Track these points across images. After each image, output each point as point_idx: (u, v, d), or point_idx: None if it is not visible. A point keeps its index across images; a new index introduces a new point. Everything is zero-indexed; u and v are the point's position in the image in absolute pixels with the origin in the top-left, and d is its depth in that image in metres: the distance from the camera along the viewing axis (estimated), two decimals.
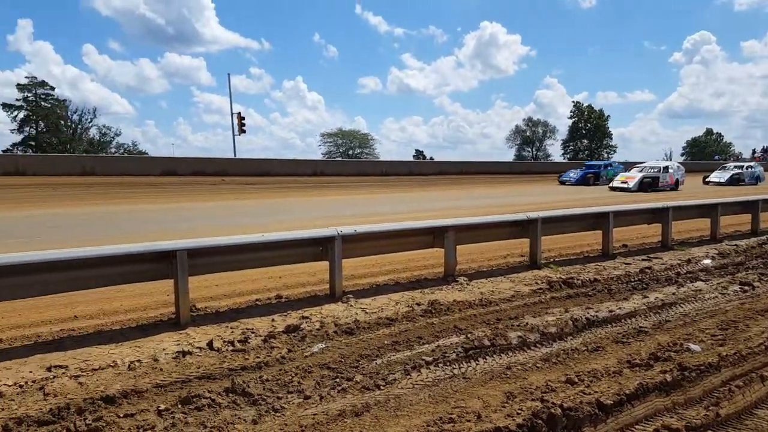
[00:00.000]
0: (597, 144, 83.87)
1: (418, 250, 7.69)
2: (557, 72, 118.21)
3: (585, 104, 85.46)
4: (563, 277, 7.29)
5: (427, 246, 7.32)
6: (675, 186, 30.07)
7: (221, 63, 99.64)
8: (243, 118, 38.20)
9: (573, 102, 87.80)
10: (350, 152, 73.17)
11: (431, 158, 63.35)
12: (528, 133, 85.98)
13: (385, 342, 4.73)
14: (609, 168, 35.58)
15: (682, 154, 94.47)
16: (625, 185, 27.75)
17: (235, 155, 37.83)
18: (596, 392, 3.69)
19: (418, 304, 5.93)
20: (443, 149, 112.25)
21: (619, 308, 5.83)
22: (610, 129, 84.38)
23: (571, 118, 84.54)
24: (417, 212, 16.70)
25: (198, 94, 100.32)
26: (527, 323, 5.26)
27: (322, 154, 74.48)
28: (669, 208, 9.91)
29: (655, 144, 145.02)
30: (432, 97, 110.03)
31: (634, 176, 28.89)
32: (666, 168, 30.63)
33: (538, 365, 4.28)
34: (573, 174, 35.24)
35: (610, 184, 29.93)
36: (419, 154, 77.68)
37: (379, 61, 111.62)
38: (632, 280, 7.22)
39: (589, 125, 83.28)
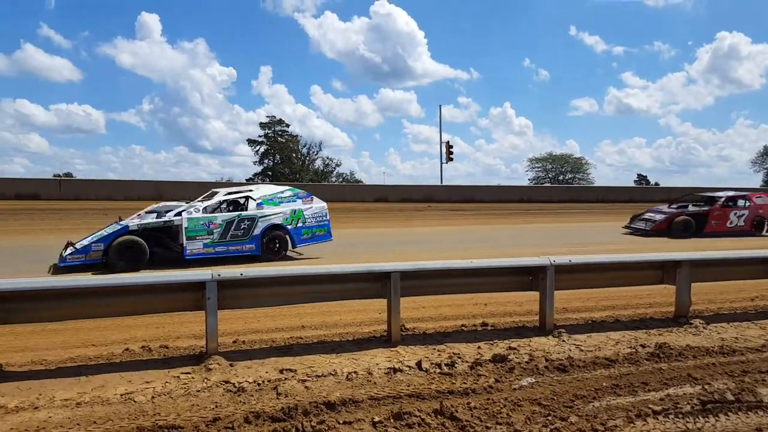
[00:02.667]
0: None
1: (643, 286, 6.89)
2: None
3: None
4: None
5: (655, 282, 6.50)
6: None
7: (430, 95, 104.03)
8: (451, 147, 39.26)
9: None
10: (560, 177, 69.83)
11: (656, 183, 56.72)
12: None
13: (603, 384, 4.29)
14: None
15: None
16: None
17: (441, 182, 39.05)
18: None
19: (643, 346, 5.28)
20: (671, 174, 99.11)
21: None
22: None
23: None
24: (630, 244, 15.14)
25: (408, 125, 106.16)
26: None
27: (528, 179, 72.44)
28: None
29: None
30: (657, 117, 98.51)
31: None
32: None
33: None
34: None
35: None
36: (641, 179, 70.19)
37: (595, 82, 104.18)
38: None
39: None
